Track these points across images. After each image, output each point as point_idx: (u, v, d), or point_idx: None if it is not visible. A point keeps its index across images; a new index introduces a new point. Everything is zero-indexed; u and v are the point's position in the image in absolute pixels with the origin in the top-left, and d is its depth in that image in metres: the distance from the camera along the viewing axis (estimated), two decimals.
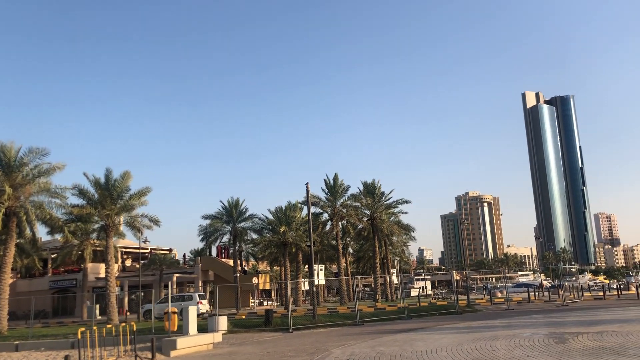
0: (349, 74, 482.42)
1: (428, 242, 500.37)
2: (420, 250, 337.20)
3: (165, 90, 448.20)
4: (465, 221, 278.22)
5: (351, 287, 56.37)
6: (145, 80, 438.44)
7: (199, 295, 42.66)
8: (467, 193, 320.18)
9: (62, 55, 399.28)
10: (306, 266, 57.62)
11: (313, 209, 53.05)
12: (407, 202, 57.51)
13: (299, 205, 55.58)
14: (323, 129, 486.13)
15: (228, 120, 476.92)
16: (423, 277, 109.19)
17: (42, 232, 41.84)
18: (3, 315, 32.52)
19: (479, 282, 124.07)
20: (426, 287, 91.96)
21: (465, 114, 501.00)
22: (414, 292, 70.95)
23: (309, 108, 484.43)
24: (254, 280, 55.76)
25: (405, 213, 59.31)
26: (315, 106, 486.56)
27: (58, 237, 41.09)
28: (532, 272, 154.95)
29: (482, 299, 48.24)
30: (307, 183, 33.28)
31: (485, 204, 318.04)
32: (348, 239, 64.45)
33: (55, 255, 55.07)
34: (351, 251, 71.89)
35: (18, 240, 36.00)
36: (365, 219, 55.46)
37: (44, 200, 34.83)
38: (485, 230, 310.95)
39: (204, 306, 41.09)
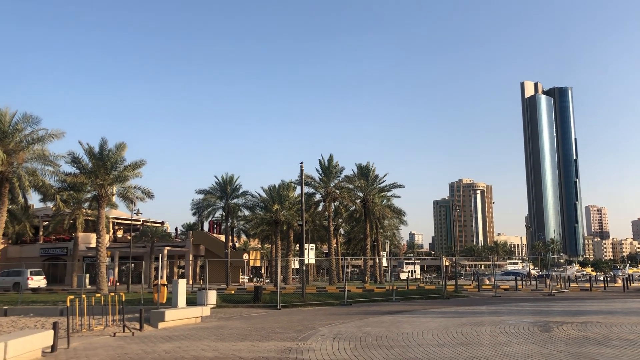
0: (347, 55, 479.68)
1: (419, 227, 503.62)
2: (411, 235, 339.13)
3: (160, 68, 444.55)
4: (458, 208, 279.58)
5: (341, 268, 56.72)
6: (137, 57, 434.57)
7: (30, 271, 41.74)
8: (460, 180, 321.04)
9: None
10: (297, 245, 57.89)
11: (306, 189, 53.15)
12: (400, 186, 57.69)
13: (293, 184, 55.62)
14: (320, 110, 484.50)
15: (226, 95, 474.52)
16: (412, 261, 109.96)
17: (34, 199, 41.77)
18: None
19: (467, 268, 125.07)
20: (415, 271, 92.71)
21: (462, 100, 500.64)
22: (402, 276, 71.59)
23: (309, 88, 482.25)
24: (245, 256, 56.00)
25: (398, 197, 59.67)
26: (315, 87, 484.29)
27: (50, 204, 41.01)
28: (520, 261, 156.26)
29: (470, 285, 48.66)
30: (302, 162, 33.21)
31: (478, 191, 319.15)
32: (340, 220, 64.67)
33: (46, 222, 55.01)
34: (342, 232, 72.19)
35: (10, 206, 35.92)
36: (358, 201, 55.61)
37: (37, 167, 34.70)
38: (476, 218, 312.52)
39: (35, 282, 40.61)
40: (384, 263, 61.01)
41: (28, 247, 59.71)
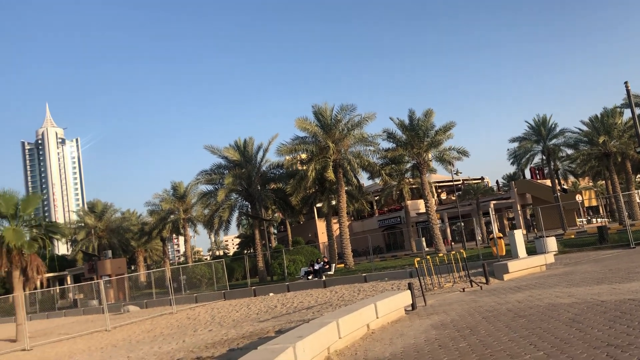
0: None
1: None
2: None
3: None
4: None
5: None
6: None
7: None
8: None
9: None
10: (638, 176, 51.05)
11: (637, 110, 46.31)
12: None
13: (618, 109, 49.18)
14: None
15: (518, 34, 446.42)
16: None
17: (363, 178, 46.49)
18: (348, 252, 37.54)
19: None
20: None
21: None
22: None
23: None
24: (578, 197, 52.06)
25: None
26: None
27: (377, 180, 44.92)
28: None
29: None
30: (626, 82, 29.10)
31: None
32: None
33: (377, 197, 60.52)
34: None
35: (347, 188, 40.61)
36: None
37: (360, 150, 38.58)
38: None
39: None
40: None
41: (368, 221, 66.81)
